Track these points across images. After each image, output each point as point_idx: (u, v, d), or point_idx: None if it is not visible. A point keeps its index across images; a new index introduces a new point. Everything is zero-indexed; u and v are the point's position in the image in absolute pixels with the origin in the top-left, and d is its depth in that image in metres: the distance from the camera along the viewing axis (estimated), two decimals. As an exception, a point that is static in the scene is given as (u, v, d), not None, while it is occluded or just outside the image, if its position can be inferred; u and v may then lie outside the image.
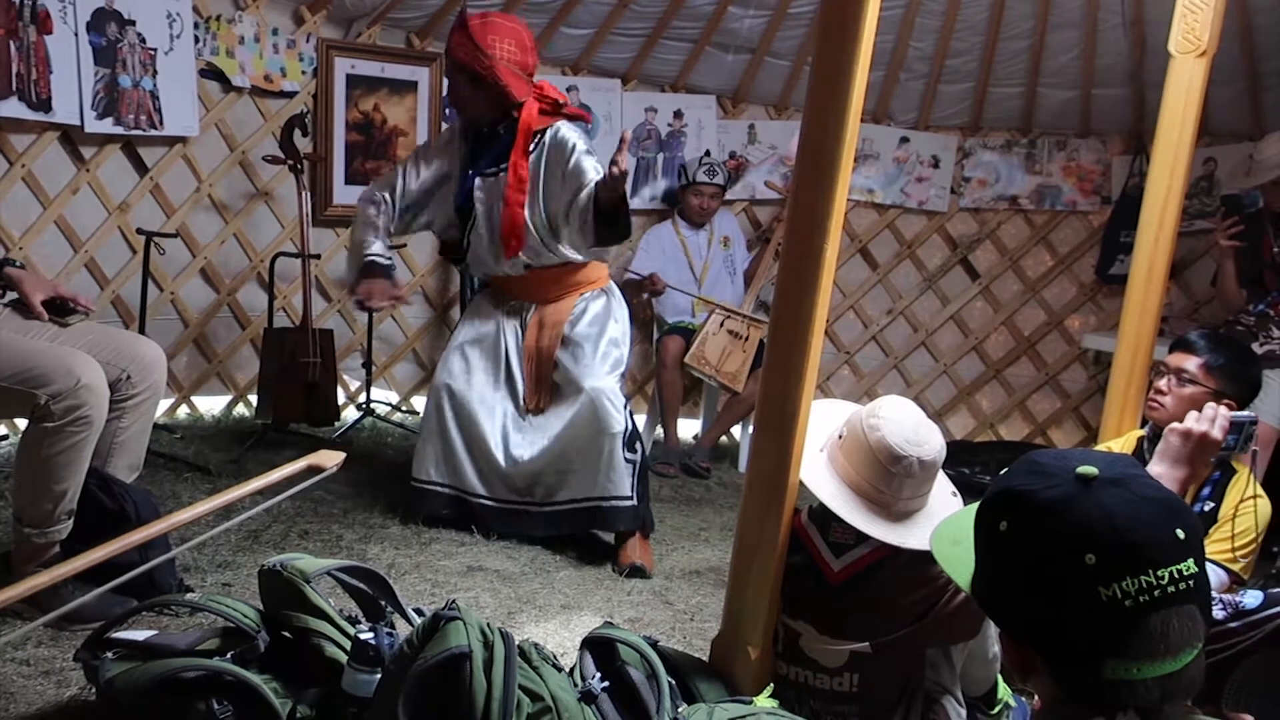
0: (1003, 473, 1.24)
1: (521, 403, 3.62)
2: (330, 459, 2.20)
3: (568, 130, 3.53)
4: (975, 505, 1.27)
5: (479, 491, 3.58)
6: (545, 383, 3.60)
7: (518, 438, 3.57)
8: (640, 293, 4.84)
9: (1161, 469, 2.14)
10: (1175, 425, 2.17)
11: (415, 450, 3.68)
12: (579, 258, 3.64)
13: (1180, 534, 1.13)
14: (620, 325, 3.70)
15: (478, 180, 3.60)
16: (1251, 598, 2.05)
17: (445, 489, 3.60)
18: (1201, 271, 5.04)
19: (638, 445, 3.54)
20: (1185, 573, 1.11)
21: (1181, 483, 2.14)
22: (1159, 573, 1.10)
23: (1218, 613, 2.01)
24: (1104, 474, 1.16)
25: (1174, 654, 1.11)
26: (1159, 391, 2.59)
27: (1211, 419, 2.13)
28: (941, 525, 1.40)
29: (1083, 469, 1.16)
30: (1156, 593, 1.10)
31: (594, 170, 3.44)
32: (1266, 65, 4.66)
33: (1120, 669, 1.11)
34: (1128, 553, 1.11)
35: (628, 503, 3.46)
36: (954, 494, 2.32)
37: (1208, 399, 2.51)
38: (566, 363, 3.57)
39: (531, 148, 3.51)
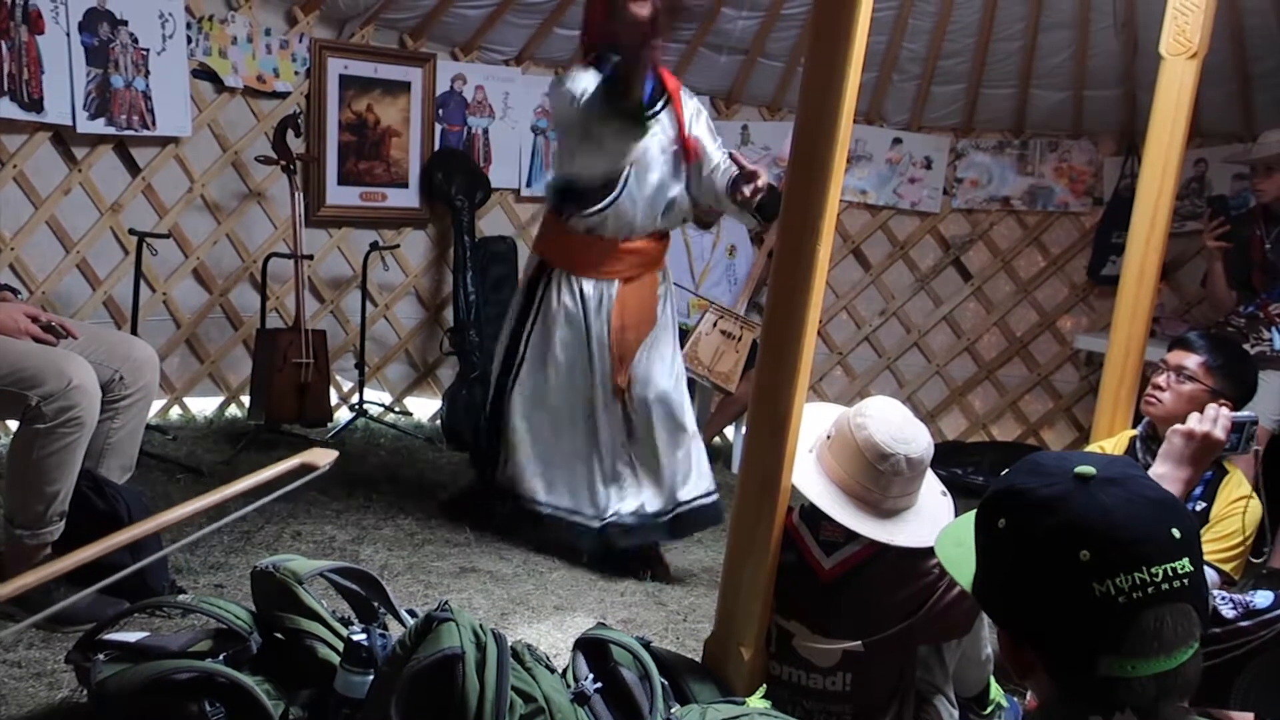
0: (1003, 473, 1.25)
1: (611, 387, 3.45)
2: (323, 457, 2.19)
3: (690, 96, 3.54)
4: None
5: (590, 512, 3.48)
6: (628, 360, 3.45)
7: (609, 450, 3.47)
8: None
9: (1164, 469, 2.15)
10: (1178, 426, 2.18)
11: (513, 462, 3.51)
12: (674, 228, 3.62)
13: (1176, 533, 1.13)
14: (676, 317, 3.66)
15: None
16: (1262, 598, 2.05)
17: (562, 513, 3.49)
18: (1193, 272, 5.06)
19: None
20: (1180, 571, 1.12)
21: (1185, 483, 2.15)
22: (1153, 570, 1.11)
23: (1228, 612, 2.01)
24: (1102, 474, 1.16)
25: (1168, 652, 1.11)
26: (1157, 387, 2.59)
27: (1214, 419, 2.14)
28: (946, 527, 1.41)
29: (1081, 469, 1.17)
30: (1150, 590, 1.10)
31: (717, 150, 3.46)
32: (1257, 67, 4.67)
33: (1115, 666, 1.12)
34: (1121, 550, 1.11)
35: (716, 497, 3.55)
36: (943, 493, 2.33)
37: (1206, 397, 2.51)
38: (642, 353, 3.46)
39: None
